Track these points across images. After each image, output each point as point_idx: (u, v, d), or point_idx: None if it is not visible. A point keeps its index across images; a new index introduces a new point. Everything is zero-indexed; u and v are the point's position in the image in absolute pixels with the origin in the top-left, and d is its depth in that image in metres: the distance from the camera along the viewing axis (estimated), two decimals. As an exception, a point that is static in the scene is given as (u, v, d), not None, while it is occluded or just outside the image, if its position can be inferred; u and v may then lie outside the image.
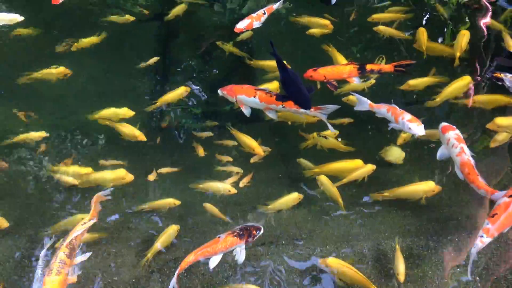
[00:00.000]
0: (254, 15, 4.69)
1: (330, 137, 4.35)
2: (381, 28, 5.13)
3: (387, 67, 3.97)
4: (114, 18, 5.43)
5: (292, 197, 4.07)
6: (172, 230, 3.84)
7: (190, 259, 3.38)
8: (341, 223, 4.03)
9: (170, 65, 5.47)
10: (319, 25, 5.12)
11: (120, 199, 4.27)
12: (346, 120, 4.54)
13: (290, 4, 5.76)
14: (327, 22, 5.10)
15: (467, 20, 5.45)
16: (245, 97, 3.96)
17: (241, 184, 4.31)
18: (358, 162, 4.16)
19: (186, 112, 5.08)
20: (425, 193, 3.98)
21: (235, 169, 4.38)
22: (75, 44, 5.03)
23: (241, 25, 4.59)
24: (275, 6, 4.91)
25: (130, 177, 4.11)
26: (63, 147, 4.67)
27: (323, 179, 4.06)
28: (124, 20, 5.40)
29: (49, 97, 5.07)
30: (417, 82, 4.60)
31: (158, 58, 5.07)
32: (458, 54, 4.70)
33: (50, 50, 5.15)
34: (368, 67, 3.95)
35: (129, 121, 4.55)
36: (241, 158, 4.52)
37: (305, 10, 5.42)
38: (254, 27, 4.65)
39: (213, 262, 3.39)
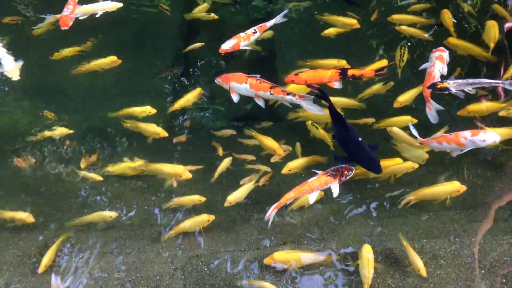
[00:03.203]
0: (242, 34, 4.42)
1: (320, 128, 4.41)
2: (403, 27, 5.09)
3: (368, 73, 3.95)
4: (198, 15, 5.43)
5: (313, 194, 4.07)
6: (201, 218, 3.90)
7: (290, 195, 3.72)
8: (363, 223, 4.02)
9: (192, 64, 5.49)
10: (345, 24, 5.08)
11: (143, 196, 4.32)
12: (370, 120, 4.52)
13: (309, 3, 5.73)
14: (353, 21, 5.06)
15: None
16: (237, 84, 4.07)
17: (261, 183, 4.31)
18: (398, 160, 4.14)
19: (209, 111, 5.10)
20: (450, 193, 3.95)
21: (263, 167, 4.37)
22: (56, 53, 4.97)
23: (226, 46, 4.35)
24: (269, 23, 4.60)
25: (187, 175, 4.12)
26: (87, 145, 4.72)
27: (291, 165, 4.16)
28: (210, 18, 5.38)
29: (73, 96, 5.14)
30: (407, 97, 4.46)
31: (203, 44, 4.99)
32: (492, 45, 4.64)
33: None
34: (350, 72, 3.94)
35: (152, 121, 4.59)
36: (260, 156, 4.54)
37: (325, 11, 5.40)
38: (241, 47, 4.40)
39: (312, 198, 3.78)
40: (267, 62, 5.11)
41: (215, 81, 4.24)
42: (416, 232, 3.91)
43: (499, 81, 4.14)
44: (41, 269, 3.70)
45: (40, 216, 4.12)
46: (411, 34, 5.11)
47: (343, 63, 4.63)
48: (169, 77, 5.28)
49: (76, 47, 5.08)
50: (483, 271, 3.63)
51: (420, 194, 3.98)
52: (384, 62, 4.68)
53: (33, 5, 5.86)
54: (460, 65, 4.89)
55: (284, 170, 4.19)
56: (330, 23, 5.17)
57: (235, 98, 4.13)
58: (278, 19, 4.62)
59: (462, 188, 3.94)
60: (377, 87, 4.65)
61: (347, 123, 3.80)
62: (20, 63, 4.64)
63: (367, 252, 3.60)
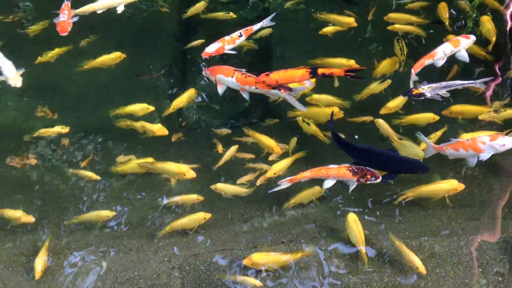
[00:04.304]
0: (227, 38, 4.40)
1: (312, 124, 4.44)
2: (396, 26, 5.07)
3: (338, 72, 3.95)
4: (218, 15, 5.42)
5: (314, 191, 4.09)
6: (197, 216, 3.91)
7: (306, 174, 3.86)
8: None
9: (190, 63, 5.49)
10: (343, 22, 5.08)
11: (141, 195, 4.31)
12: (367, 118, 4.51)
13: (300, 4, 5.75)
14: (351, 19, 5.04)
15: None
16: (223, 77, 4.13)
17: (258, 182, 4.30)
18: None
19: (205, 110, 5.10)
20: (448, 191, 3.95)
21: (264, 166, 4.36)
22: (39, 58, 4.92)
23: (210, 49, 4.33)
24: (256, 26, 4.58)
25: (191, 174, 4.11)
26: (85, 144, 4.71)
27: (276, 168, 4.18)
28: (227, 17, 5.37)
29: (71, 95, 5.12)
30: (397, 102, 4.44)
31: (204, 41, 4.96)
32: (493, 39, 4.69)
33: (74, 47, 5.19)
34: (320, 71, 3.94)
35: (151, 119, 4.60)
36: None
37: (321, 9, 5.40)
38: (225, 51, 4.37)
39: (327, 184, 3.86)
40: (264, 60, 5.10)
41: (203, 72, 4.27)
42: (414, 230, 3.91)
43: (472, 81, 4.14)
44: (37, 275, 3.66)
45: (38, 215, 4.10)
46: (405, 32, 5.10)
47: (351, 62, 4.66)
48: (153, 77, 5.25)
49: (63, 48, 5.02)
50: (480, 270, 3.63)
51: (417, 191, 3.97)
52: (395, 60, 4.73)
53: (30, 2, 5.86)
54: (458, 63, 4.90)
55: (269, 174, 4.19)
56: (328, 22, 5.17)
57: (220, 90, 4.17)
58: (265, 22, 4.61)
59: (460, 186, 3.94)
60: (374, 86, 4.65)
61: (361, 145, 3.86)
62: (22, 70, 4.62)
63: (353, 218, 3.74)
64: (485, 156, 3.77)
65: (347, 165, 3.83)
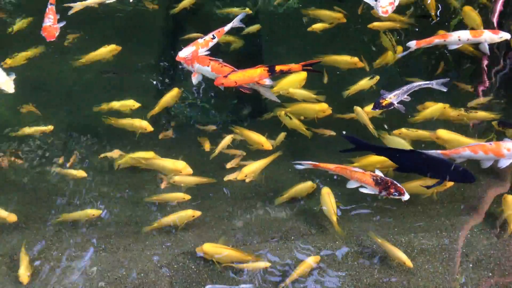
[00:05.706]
0: (200, 41, 4.32)
1: (294, 118, 4.45)
2: (375, 24, 5.06)
3: (296, 67, 3.96)
4: (234, 10, 5.37)
5: (306, 186, 4.09)
6: (186, 213, 3.88)
7: (329, 166, 3.87)
8: (350, 218, 4.01)
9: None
10: (332, 18, 5.07)
11: (128, 193, 4.27)
12: (355, 115, 4.49)
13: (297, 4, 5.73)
14: (340, 15, 5.03)
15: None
16: (200, 66, 4.14)
17: (247, 179, 4.27)
18: None
19: (193, 107, 5.06)
20: (437, 188, 3.93)
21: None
22: (7, 60, 4.82)
23: (183, 54, 4.26)
24: (226, 27, 4.56)
25: (188, 171, 4.07)
26: (71, 141, 4.66)
27: (247, 170, 4.16)
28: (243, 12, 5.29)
29: (57, 92, 5.07)
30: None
31: (202, 35, 4.80)
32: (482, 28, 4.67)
33: (59, 43, 5.10)
34: (278, 68, 3.95)
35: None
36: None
37: (312, 5, 5.39)
38: (199, 54, 4.30)
39: (351, 184, 3.81)
40: (254, 56, 5.08)
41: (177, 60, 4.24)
42: (403, 226, 3.91)
43: (429, 82, 4.13)
44: (24, 280, 3.59)
45: (23, 215, 4.05)
46: (386, 28, 5.08)
47: (355, 60, 4.68)
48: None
49: (33, 49, 4.94)
50: (470, 265, 3.64)
51: (406, 187, 3.95)
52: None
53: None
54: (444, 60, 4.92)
55: (240, 176, 4.17)
56: (316, 17, 5.16)
57: (195, 80, 4.18)
58: (235, 22, 4.62)
59: (450, 182, 3.94)
60: (363, 82, 4.64)
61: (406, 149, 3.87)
62: (13, 76, 4.55)
63: (326, 192, 3.86)
64: (505, 162, 3.71)
65: (374, 173, 3.76)
